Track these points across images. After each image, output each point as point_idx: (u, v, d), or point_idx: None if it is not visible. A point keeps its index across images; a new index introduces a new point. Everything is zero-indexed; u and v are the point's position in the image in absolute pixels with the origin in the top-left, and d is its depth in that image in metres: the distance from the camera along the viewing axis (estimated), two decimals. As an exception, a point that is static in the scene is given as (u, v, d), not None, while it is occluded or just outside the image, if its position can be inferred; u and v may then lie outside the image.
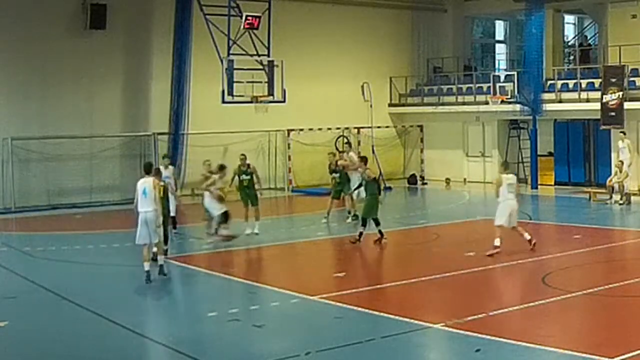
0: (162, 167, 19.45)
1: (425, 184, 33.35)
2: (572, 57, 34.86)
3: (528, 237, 17.49)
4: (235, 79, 25.61)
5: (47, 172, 26.64)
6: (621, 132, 26.60)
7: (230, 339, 11.84)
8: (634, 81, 28.04)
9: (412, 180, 33.28)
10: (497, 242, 17.06)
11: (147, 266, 15.38)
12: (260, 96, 26.20)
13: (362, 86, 32.24)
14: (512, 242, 19.89)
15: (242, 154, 21.10)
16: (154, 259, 16.42)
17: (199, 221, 20.43)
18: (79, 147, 26.96)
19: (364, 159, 20.19)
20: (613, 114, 27.43)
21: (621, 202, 25.07)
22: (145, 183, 15.53)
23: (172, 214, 18.90)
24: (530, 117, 30.21)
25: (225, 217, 18.75)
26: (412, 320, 11.97)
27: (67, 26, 27.14)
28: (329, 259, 18.69)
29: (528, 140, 31.23)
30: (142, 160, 27.62)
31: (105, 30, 27.30)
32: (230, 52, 25.81)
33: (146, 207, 15.33)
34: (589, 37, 34.30)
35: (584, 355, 10.13)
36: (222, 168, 19.19)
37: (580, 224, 21.49)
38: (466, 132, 33.36)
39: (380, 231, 18.95)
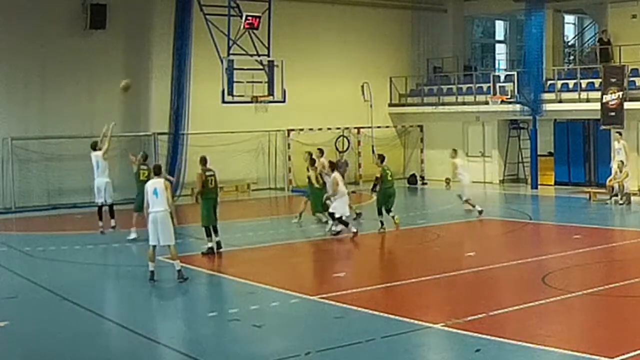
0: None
1: (425, 184, 33.32)
2: (572, 57, 34.83)
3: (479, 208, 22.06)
4: (235, 79, 25.53)
5: (47, 172, 26.63)
6: (617, 132, 26.57)
7: (230, 339, 11.80)
8: (634, 81, 28.00)
9: (412, 180, 33.24)
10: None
11: (151, 266, 15.35)
12: (260, 96, 26.10)
13: (362, 86, 32.23)
14: (512, 242, 20.14)
15: (143, 153, 21.02)
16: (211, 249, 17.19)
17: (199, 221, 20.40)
18: (79, 147, 26.48)
19: (381, 157, 21.35)
20: (613, 114, 27.42)
21: (621, 202, 25.04)
22: (156, 184, 15.45)
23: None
24: (530, 117, 30.16)
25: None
26: (412, 320, 11.94)
27: (67, 26, 27.12)
28: (328, 259, 18.62)
29: (528, 140, 31.19)
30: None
31: (105, 30, 27.30)
32: (230, 52, 25.74)
33: (157, 207, 15.25)
34: (589, 36, 34.17)
35: (584, 355, 10.09)
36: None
37: (580, 224, 21.44)
38: (466, 132, 33.32)
39: (382, 221, 20.60)
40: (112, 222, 20.00)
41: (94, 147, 20.47)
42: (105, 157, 20.12)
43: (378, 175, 21.01)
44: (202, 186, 18.13)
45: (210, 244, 18.03)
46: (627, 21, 29.42)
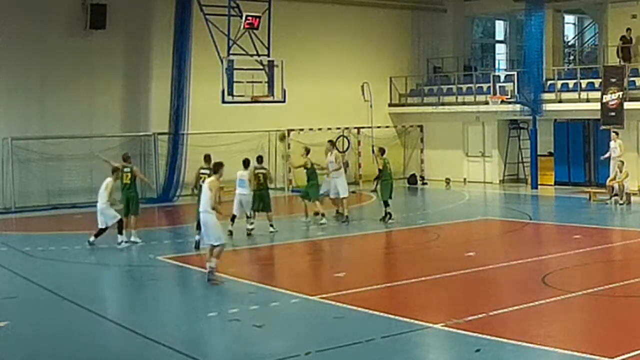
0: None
1: (425, 184, 33.27)
2: (572, 57, 34.74)
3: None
4: (235, 79, 25.35)
5: (47, 172, 26.49)
6: (614, 131, 26.50)
7: (230, 339, 11.78)
8: (633, 81, 27.92)
9: (412, 180, 33.19)
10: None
11: (208, 266, 15.09)
12: (260, 96, 25.94)
13: (362, 86, 32.18)
14: (512, 242, 20.10)
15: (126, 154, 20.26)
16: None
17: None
18: (79, 147, 26.78)
19: (382, 150, 22.58)
20: (613, 114, 27.35)
21: (621, 202, 25.01)
22: (205, 183, 15.30)
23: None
24: (530, 117, 30.08)
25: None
26: (412, 320, 11.88)
27: (67, 26, 27.00)
28: (328, 259, 18.60)
29: (528, 140, 31.15)
30: (142, 160, 27.79)
31: (105, 30, 27.15)
32: (230, 52, 25.57)
33: (200, 207, 15.18)
34: (589, 36, 34.08)
35: (584, 355, 10.08)
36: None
37: (580, 224, 21.37)
38: (466, 132, 33.23)
39: (390, 212, 21.89)
40: (92, 238, 18.91)
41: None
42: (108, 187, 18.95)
43: (381, 167, 21.93)
44: (195, 182, 18.01)
45: (197, 237, 17.89)
46: (628, 21, 29.27)
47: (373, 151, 30.84)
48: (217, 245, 14.95)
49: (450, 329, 11.37)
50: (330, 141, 23.60)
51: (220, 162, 15.58)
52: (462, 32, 36.18)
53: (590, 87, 28.80)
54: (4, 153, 26.10)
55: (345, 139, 32.56)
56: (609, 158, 26.15)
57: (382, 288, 14.57)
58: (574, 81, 29.40)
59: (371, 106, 32.15)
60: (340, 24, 32.95)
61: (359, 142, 32.94)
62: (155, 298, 14.61)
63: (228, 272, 15.99)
